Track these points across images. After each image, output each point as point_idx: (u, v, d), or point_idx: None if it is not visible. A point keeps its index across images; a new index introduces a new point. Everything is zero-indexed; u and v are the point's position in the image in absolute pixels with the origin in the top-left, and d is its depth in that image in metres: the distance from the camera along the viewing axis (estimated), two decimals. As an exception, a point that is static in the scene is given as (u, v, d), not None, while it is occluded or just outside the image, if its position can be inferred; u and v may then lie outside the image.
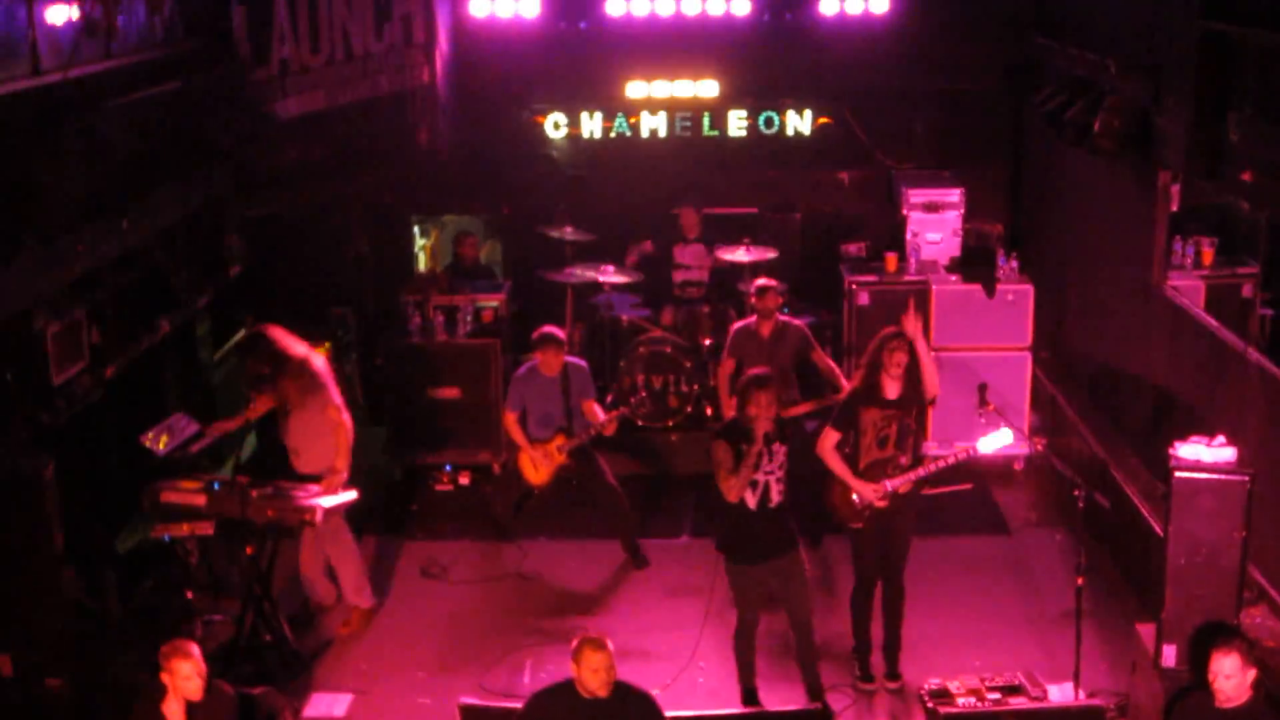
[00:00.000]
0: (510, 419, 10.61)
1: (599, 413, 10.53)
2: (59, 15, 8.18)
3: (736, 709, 8.49)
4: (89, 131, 8.26)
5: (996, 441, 8.72)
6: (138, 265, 9.53)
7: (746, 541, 8.51)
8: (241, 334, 11.64)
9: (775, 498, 8.40)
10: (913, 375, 8.64)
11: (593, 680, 6.91)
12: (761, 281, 11.01)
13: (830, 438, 8.77)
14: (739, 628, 8.65)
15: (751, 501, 8.40)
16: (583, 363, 10.72)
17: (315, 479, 9.41)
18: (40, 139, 7.80)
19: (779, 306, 10.95)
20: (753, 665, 8.74)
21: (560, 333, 10.55)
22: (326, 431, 9.58)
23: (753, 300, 10.96)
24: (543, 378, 10.45)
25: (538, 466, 10.55)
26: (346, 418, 9.68)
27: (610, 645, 6.97)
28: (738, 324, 11.16)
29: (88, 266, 8.48)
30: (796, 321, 11.12)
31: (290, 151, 10.82)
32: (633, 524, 10.80)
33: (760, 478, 8.36)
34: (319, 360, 9.74)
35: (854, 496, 8.72)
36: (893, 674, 9.05)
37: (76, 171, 8.16)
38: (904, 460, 8.72)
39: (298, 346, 9.62)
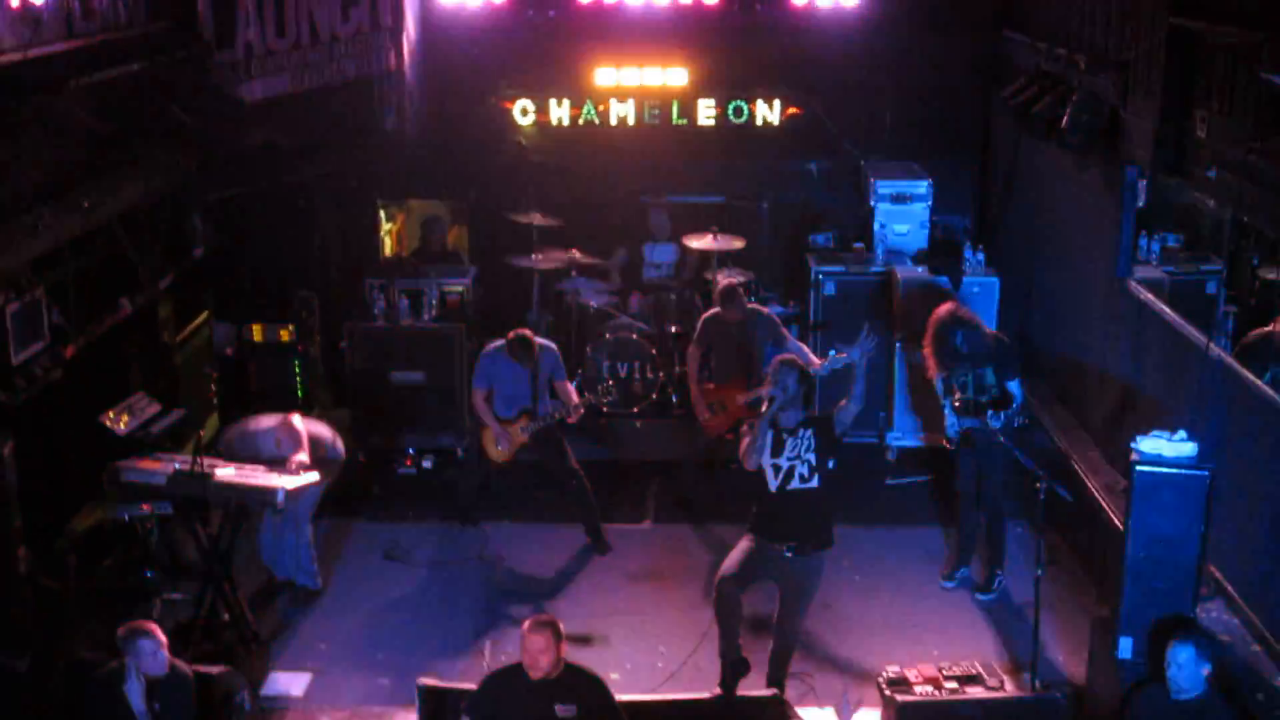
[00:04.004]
0: (478, 396, 10.63)
1: (573, 394, 10.60)
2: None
3: (693, 693, 8.44)
4: (50, 111, 8.20)
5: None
6: (100, 245, 9.48)
7: (760, 516, 8.50)
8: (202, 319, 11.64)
9: (797, 483, 8.35)
10: None
11: (529, 661, 6.99)
12: (724, 284, 11.04)
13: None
14: (717, 593, 8.42)
15: (772, 484, 8.38)
16: (552, 345, 10.73)
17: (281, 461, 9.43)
18: (1, 118, 7.73)
19: (745, 302, 10.97)
20: (734, 629, 8.45)
21: (529, 335, 10.46)
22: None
23: (718, 303, 10.97)
24: (511, 359, 10.48)
25: (500, 445, 10.60)
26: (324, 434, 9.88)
27: (558, 628, 7.05)
28: (707, 313, 11.16)
29: (49, 245, 8.42)
30: (765, 309, 11.14)
31: (255, 135, 10.75)
32: (595, 508, 10.80)
33: (784, 462, 8.35)
34: (291, 425, 9.71)
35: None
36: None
37: (37, 151, 8.11)
38: None
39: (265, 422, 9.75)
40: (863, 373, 8.50)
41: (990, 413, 9.39)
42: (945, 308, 9.84)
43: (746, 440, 8.41)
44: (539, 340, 10.54)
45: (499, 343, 10.56)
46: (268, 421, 9.76)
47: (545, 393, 10.59)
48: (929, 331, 9.79)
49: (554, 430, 10.68)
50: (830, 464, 8.40)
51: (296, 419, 9.69)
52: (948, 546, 10.46)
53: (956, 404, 9.65)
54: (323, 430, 10.00)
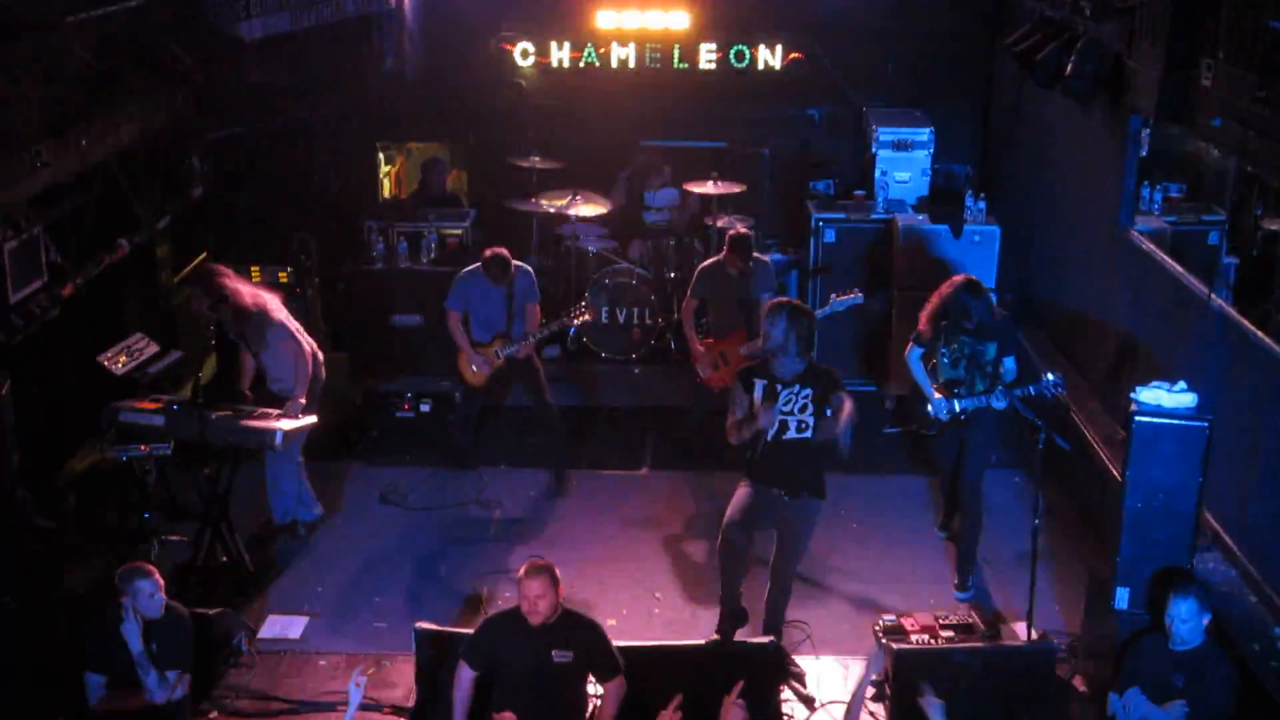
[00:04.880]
0: (453, 318, 10.63)
1: (537, 315, 10.61)
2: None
3: (690, 640, 8.44)
4: (47, 48, 8.13)
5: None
6: (98, 184, 9.43)
7: (754, 463, 8.38)
8: (192, 266, 11.60)
9: (792, 433, 8.20)
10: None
11: (528, 606, 6.99)
12: (736, 232, 10.88)
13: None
14: (722, 539, 8.33)
15: (766, 434, 8.24)
16: (528, 266, 10.72)
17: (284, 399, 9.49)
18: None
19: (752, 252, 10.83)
20: (738, 576, 8.42)
21: (505, 255, 10.42)
22: (291, 359, 9.62)
23: (729, 250, 10.75)
24: (487, 280, 10.45)
25: (476, 367, 10.64)
26: (308, 347, 9.69)
27: (555, 573, 7.05)
28: (705, 262, 11.09)
29: (46, 183, 8.37)
30: (764, 258, 11.08)
31: (254, 74, 10.67)
32: (563, 446, 10.90)
33: (778, 415, 8.18)
34: (267, 298, 9.69)
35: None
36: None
37: (34, 87, 8.04)
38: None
39: (241, 286, 9.60)
40: (848, 429, 8.28)
41: (1000, 391, 8.95)
42: (961, 277, 9.24)
43: (733, 418, 8.30)
44: (516, 262, 10.51)
45: (475, 265, 10.56)
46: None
47: (520, 316, 10.58)
48: (936, 297, 9.22)
49: (532, 360, 10.73)
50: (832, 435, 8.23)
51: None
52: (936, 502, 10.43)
53: (938, 385, 9.16)
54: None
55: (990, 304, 9.20)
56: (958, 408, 9.08)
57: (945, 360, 9.19)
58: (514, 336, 10.54)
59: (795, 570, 8.59)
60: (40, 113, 8.14)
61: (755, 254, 10.88)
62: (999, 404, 8.98)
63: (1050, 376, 8.93)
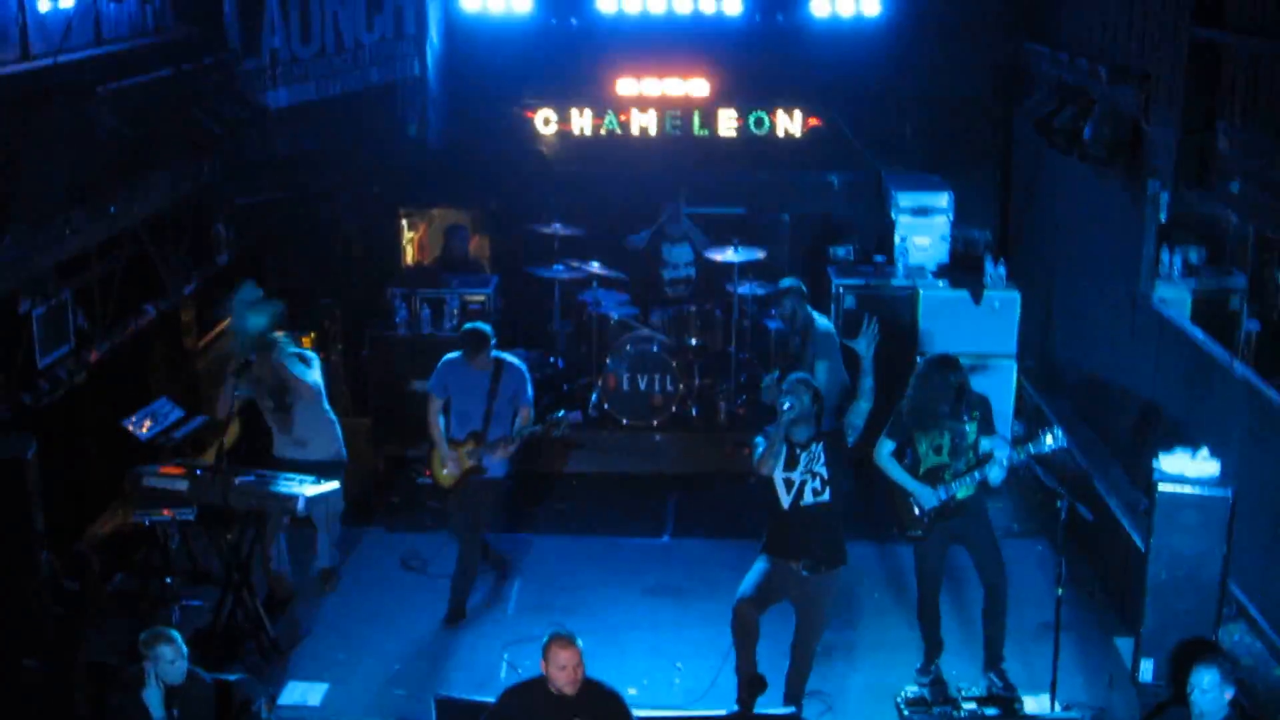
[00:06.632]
0: (432, 405, 9.82)
1: (528, 419, 9.74)
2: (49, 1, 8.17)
3: (710, 711, 8.39)
4: (78, 116, 8.24)
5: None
6: (125, 250, 9.52)
7: (774, 534, 8.46)
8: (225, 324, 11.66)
9: (809, 499, 8.30)
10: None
11: (559, 677, 6.96)
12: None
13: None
14: (735, 616, 8.37)
15: (784, 499, 8.34)
16: (520, 365, 9.86)
17: (322, 466, 9.54)
18: (29, 122, 7.77)
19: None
20: (751, 651, 8.41)
21: (486, 330, 9.71)
22: (327, 422, 9.73)
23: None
24: (471, 369, 9.73)
25: (447, 469, 9.79)
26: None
27: (579, 643, 7.01)
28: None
29: (75, 250, 8.46)
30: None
31: (280, 141, 10.80)
32: (466, 583, 9.94)
33: (797, 477, 8.31)
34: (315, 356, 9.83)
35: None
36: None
37: (65, 155, 8.15)
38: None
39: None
40: (870, 368, 8.38)
41: (994, 462, 8.54)
42: (935, 356, 8.87)
43: (763, 449, 8.39)
44: (508, 359, 9.81)
45: (460, 352, 9.81)
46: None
47: (502, 419, 9.72)
48: (916, 381, 8.75)
49: (497, 486, 9.88)
50: (844, 485, 8.29)
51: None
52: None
53: (923, 474, 8.68)
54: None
55: (966, 379, 8.75)
56: (950, 494, 8.62)
57: (924, 448, 8.73)
58: (489, 440, 9.71)
59: (817, 643, 8.57)
60: (70, 180, 8.25)
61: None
62: (997, 475, 8.62)
63: (1048, 439, 8.42)
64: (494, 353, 9.74)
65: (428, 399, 9.88)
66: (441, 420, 9.85)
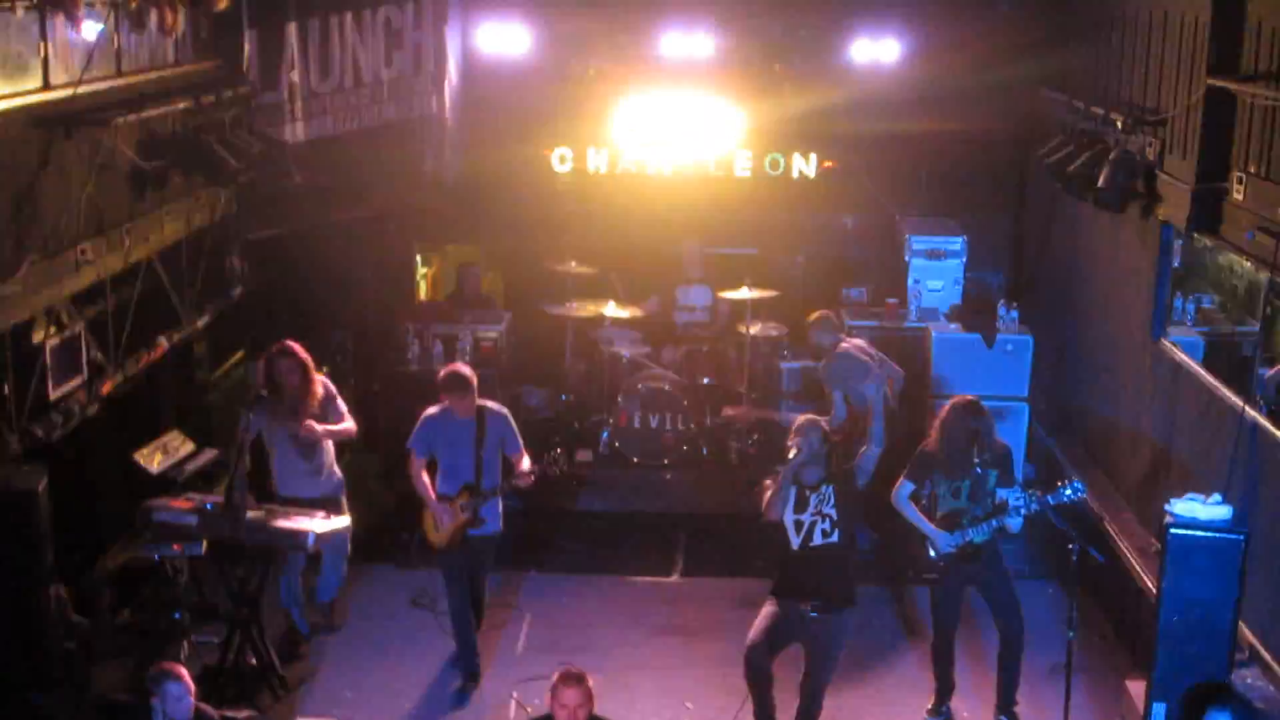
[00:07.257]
0: (414, 464, 9.31)
1: (524, 464, 9.37)
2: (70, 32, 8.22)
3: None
4: (96, 147, 8.29)
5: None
6: (139, 282, 9.54)
7: (783, 576, 8.48)
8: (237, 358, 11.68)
9: (819, 539, 8.31)
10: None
11: (566, 715, 6.91)
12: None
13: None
14: (746, 663, 8.37)
15: (794, 541, 8.35)
16: (502, 410, 9.49)
17: (330, 502, 9.55)
18: (47, 153, 7.82)
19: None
20: (767, 696, 8.39)
21: (467, 373, 9.30)
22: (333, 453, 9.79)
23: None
24: (456, 420, 9.28)
25: (440, 527, 9.34)
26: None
27: (589, 682, 6.98)
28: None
29: (90, 281, 8.48)
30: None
31: (296, 176, 10.84)
32: (473, 640, 9.59)
33: (806, 518, 8.32)
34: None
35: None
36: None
37: (80, 186, 8.19)
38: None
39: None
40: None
41: (1013, 509, 8.52)
42: (961, 400, 8.91)
43: (770, 492, 8.38)
44: (490, 404, 9.43)
45: (444, 403, 9.31)
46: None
47: (492, 467, 9.30)
48: (938, 426, 8.86)
49: (493, 540, 9.56)
50: (863, 541, 8.24)
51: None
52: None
53: (940, 518, 8.71)
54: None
55: (993, 425, 8.83)
56: (966, 539, 8.65)
57: (944, 491, 8.75)
58: (485, 488, 9.26)
59: (826, 685, 8.53)
60: (86, 211, 8.28)
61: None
62: (1015, 523, 8.60)
63: (1067, 491, 8.44)
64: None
65: (409, 458, 9.35)
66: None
